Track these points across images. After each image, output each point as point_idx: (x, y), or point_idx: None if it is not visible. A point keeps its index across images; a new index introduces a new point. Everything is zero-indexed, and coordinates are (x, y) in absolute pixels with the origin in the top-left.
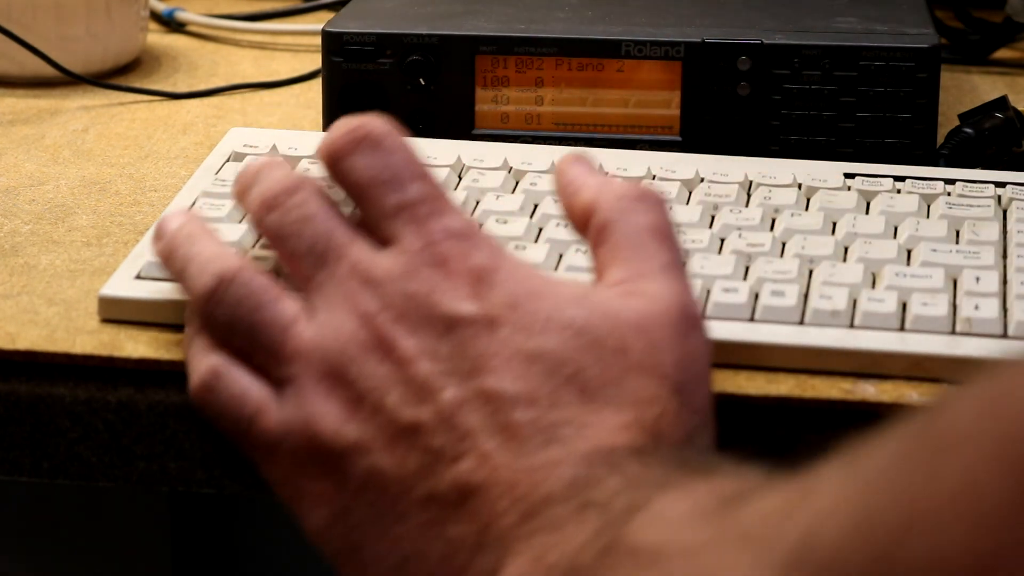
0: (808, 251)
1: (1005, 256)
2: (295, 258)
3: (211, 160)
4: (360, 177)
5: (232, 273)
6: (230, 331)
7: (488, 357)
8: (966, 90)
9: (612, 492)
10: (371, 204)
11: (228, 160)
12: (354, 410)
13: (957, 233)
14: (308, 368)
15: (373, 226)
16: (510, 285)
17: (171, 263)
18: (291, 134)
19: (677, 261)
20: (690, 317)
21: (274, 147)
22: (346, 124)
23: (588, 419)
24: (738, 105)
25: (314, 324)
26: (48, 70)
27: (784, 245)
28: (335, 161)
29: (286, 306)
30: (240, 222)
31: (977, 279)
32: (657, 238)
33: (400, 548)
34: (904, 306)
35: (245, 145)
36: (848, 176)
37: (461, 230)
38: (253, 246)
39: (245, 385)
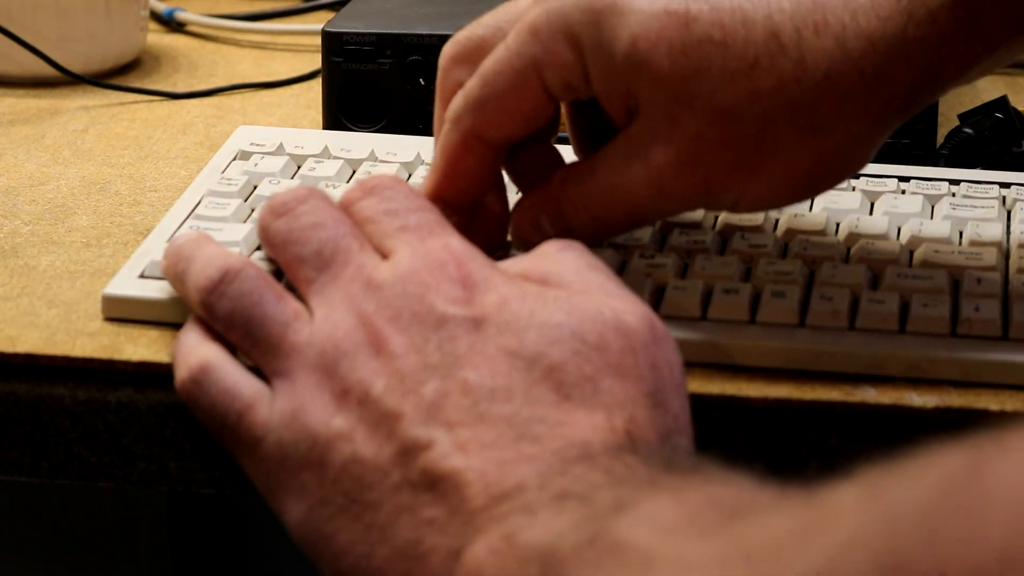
0: (811, 252)
1: (1007, 257)
2: (299, 262)
3: (218, 159)
4: (367, 213)
5: (238, 268)
6: (229, 324)
7: (471, 354)
8: (966, 90)
9: (593, 485)
10: (376, 228)
11: (235, 159)
12: (342, 401)
13: (960, 234)
14: (303, 362)
15: (377, 245)
16: (501, 290)
17: (175, 264)
18: (297, 132)
19: (624, 287)
20: (659, 330)
21: (280, 145)
22: (360, 181)
23: (561, 418)
24: None
25: (314, 322)
26: (48, 70)
27: (787, 246)
28: (345, 207)
29: (288, 303)
30: (245, 221)
31: (978, 280)
32: (596, 269)
33: (371, 535)
34: (905, 307)
35: (252, 143)
36: (853, 176)
37: (459, 246)
38: (257, 248)
39: (238, 379)
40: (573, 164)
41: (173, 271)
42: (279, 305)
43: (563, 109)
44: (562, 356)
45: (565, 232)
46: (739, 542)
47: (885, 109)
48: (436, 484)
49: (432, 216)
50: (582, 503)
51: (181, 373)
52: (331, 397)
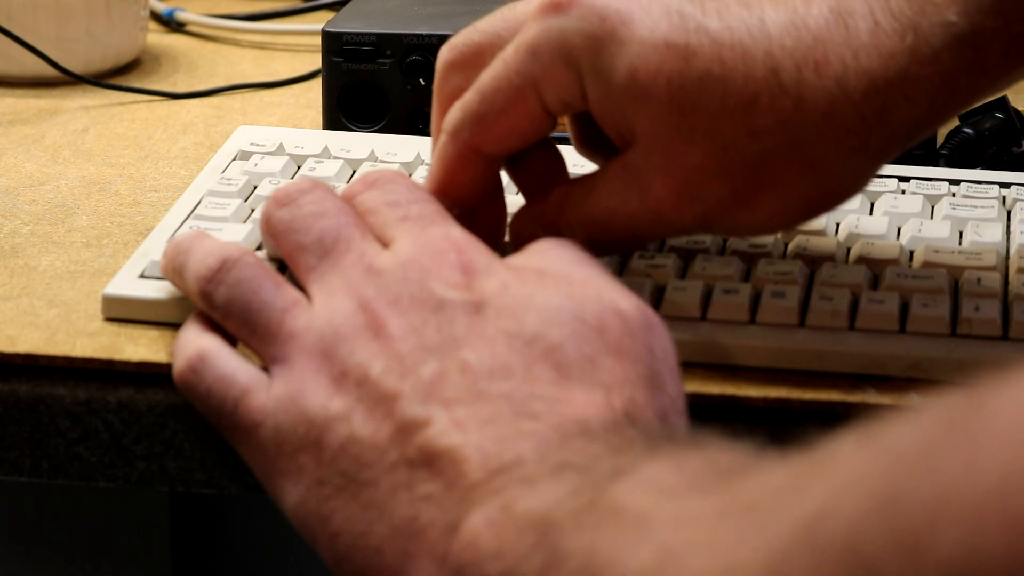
0: (810, 252)
1: (1007, 257)
2: (300, 250)
3: (218, 159)
4: (369, 205)
5: (236, 256)
6: (227, 312)
7: (470, 335)
8: None
9: (593, 457)
10: (378, 219)
11: (235, 159)
12: (340, 383)
13: (960, 234)
14: (301, 347)
15: (379, 235)
16: (501, 275)
17: (174, 258)
18: (297, 132)
19: (616, 280)
20: (653, 317)
21: (280, 145)
22: (363, 175)
23: (560, 396)
24: None
25: (313, 308)
26: (48, 70)
27: (786, 246)
28: (348, 200)
29: (287, 291)
30: (245, 222)
31: (978, 280)
32: (589, 264)
33: (368, 513)
34: (905, 307)
35: (252, 143)
36: None
37: (460, 235)
38: (257, 248)
39: (235, 366)
40: (571, 185)
41: (172, 265)
42: (277, 292)
43: (567, 119)
44: (561, 336)
45: None
46: (737, 496)
47: (885, 145)
48: (433, 461)
49: (433, 207)
50: (581, 473)
51: (179, 363)
52: (329, 380)
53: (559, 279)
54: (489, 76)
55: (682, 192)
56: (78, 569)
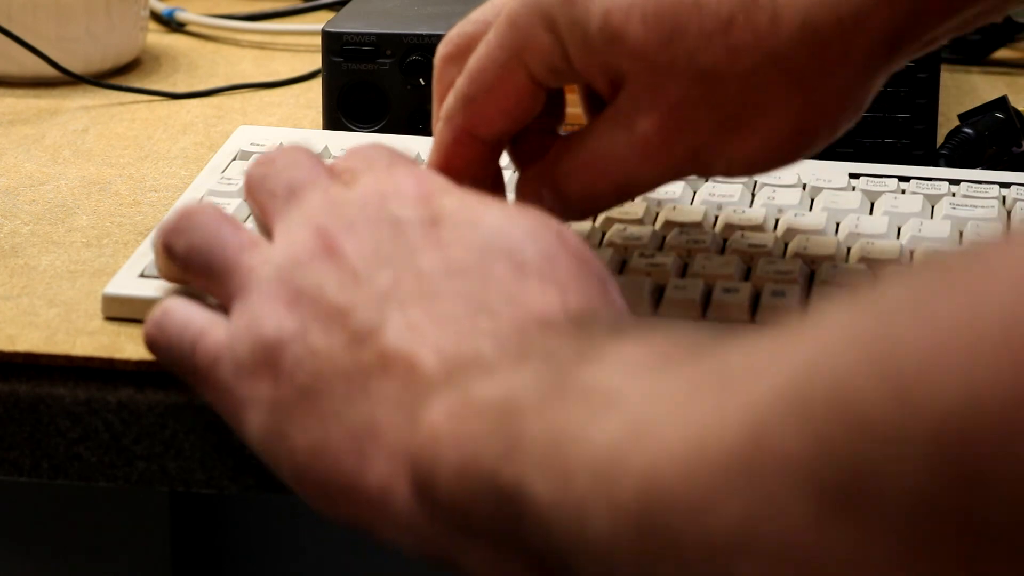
0: (810, 251)
1: None
2: (271, 197)
3: (218, 159)
4: (347, 167)
5: (196, 207)
6: (187, 260)
7: (426, 245)
8: (966, 90)
9: (556, 346)
10: (351, 175)
11: (235, 159)
12: (295, 304)
13: (960, 234)
14: (258, 279)
15: (349, 184)
16: (460, 195)
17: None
18: (297, 132)
19: None
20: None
21: (280, 145)
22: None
23: (517, 294)
24: None
25: (273, 244)
26: (48, 70)
27: (787, 245)
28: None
29: (244, 233)
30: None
31: None
32: None
33: (325, 423)
34: None
35: (252, 143)
36: (853, 176)
37: (424, 171)
38: None
39: (192, 312)
40: (567, 136)
41: (152, 249)
42: (235, 233)
43: (578, 92)
44: (521, 237)
45: (561, 203)
46: (713, 368)
47: (867, 58)
48: (388, 363)
49: (405, 158)
50: (544, 360)
51: (145, 326)
52: (284, 304)
53: (519, 207)
54: (475, 57)
55: (669, 126)
56: (78, 569)
